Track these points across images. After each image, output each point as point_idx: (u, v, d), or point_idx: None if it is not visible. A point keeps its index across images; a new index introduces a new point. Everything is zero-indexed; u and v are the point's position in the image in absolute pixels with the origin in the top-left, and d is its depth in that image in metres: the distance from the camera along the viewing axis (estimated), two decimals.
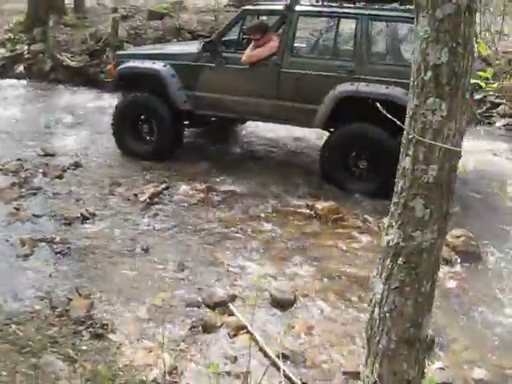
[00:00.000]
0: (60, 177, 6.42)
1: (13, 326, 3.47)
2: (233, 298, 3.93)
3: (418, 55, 1.92)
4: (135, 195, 5.80)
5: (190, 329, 3.58)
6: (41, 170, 6.55)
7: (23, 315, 3.61)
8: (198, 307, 3.84)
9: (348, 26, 6.27)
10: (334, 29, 6.39)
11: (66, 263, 4.38)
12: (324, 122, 6.22)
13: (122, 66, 7.15)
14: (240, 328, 3.57)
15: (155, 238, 4.91)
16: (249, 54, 6.50)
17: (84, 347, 3.36)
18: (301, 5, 6.45)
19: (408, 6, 5.75)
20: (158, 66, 6.86)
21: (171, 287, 4.02)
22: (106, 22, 13.41)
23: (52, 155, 7.17)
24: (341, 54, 6.35)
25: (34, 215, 5.22)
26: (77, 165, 6.83)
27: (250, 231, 5.12)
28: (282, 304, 3.90)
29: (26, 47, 12.91)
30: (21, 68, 12.53)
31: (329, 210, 5.44)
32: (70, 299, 3.81)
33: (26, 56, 12.69)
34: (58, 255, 4.47)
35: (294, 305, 3.92)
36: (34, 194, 5.81)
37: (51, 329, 3.49)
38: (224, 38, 6.84)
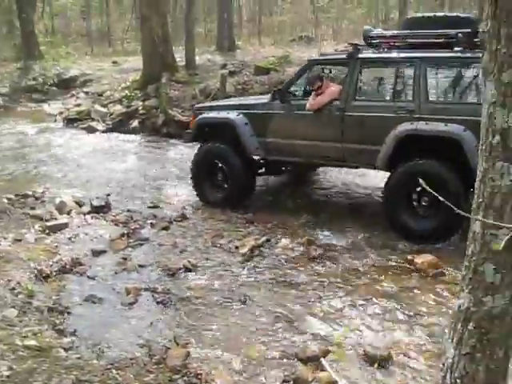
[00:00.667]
0: (166, 228, 6.84)
1: (113, 370, 3.73)
2: (326, 352, 3.97)
3: (486, 119, 1.96)
4: (236, 247, 6.05)
5: (282, 383, 3.66)
6: (149, 221, 7.04)
7: (124, 361, 3.88)
8: (291, 361, 3.92)
9: (406, 70, 6.58)
10: (393, 73, 6.72)
11: (166, 313, 4.66)
12: (386, 161, 6.42)
13: (201, 117, 7.81)
14: None
15: (253, 290, 5.08)
16: (311, 101, 6.97)
17: None
18: (362, 53, 6.84)
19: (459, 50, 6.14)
20: (232, 115, 7.45)
21: (266, 340, 4.15)
22: (215, 78, 14.23)
23: (160, 207, 7.68)
24: (400, 95, 6.63)
25: (139, 265, 5.62)
26: (183, 216, 7.25)
27: (349, 286, 5.16)
28: (376, 360, 3.87)
29: (140, 103, 14.01)
30: (135, 123, 13.58)
31: (429, 264, 5.37)
32: (168, 348, 4.04)
33: (141, 111, 13.74)
34: (160, 305, 4.78)
35: (389, 362, 3.89)
36: (141, 245, 6.25)
37: (148, 375, 3.71)
38: (293, 88, 7.39)
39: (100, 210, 7.56)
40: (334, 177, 8.93)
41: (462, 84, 6.36)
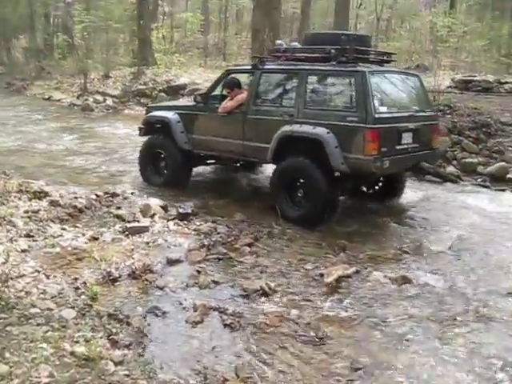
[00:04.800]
0: (250, 245, 6.45)
1: None
2: None
3: None
4: (321, 275, 5.53)
5: None
6: (234, 233, 6.71)
7: None
8: None
9: (291, 80, 7.77)
10: (282, 82, 8.02)
11: (232, 338, 4.23)
12: (272, 157, 7.73)
13: (149, 115, 9.55)
14: None
15: (334, 326, 4.53)
16: (222, 105, 8.37)
17: None
18: (266, 64, 8.17)
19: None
20: (169, 114, 9.03)
21: None
22: None
23: (244, 221, 7.34)
24: (286, 102, 7.81)
25: (213, 281, 5.24)
26: (270, 234, 6.87)
27: (446, 336, 4.49)
28: None
29: None
30: None
31: None
32: (226, 380, 3.61)
33: None
34: (227, 328, 4.35)
35: None
36: (220, 259, 5.88)
37: None
38: (213, 93, 8.85)
39: (185, 217, 7.31)
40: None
41: (331, 93, 7.56)
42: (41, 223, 6.53)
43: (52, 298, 4.53)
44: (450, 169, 10.77)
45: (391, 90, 7.70)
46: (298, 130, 7.35)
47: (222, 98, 8.70)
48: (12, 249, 5.53)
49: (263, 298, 4.98)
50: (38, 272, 5.08)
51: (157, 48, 25.46)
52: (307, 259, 6.06)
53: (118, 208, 7.56)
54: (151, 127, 9.42)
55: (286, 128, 7.46)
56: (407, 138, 7.40)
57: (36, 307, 4.28)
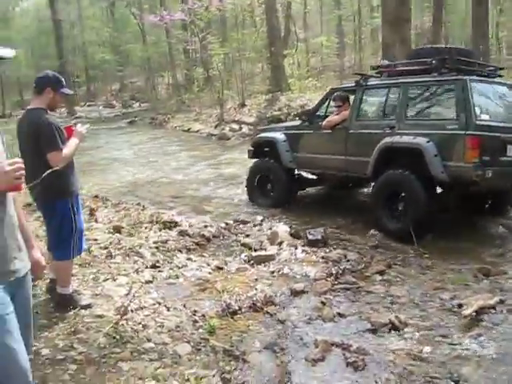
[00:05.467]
0: (382, 272, 5.99)
1: None
2: None
3: None
4: (460, 306, 4.93)
5: None
6: (365, 260, 6.31)
7: None
8: None
9: (393, 93, 7.80)
10: (385, 96, 7.95)
11: (355, 379, 3.82)
12: (372, 170, 7.65)
13: (257, 136, 10.05)
14: None
15: (473, 366, 3.95)
16: (327, 119, 8.53)
17: None
18: (368, 81, 8.28)
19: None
20: (276, 135, 9.31)
21: None
22: None
23: (379, 247, 6.89)
24: (387, 115, 7.82)
25: (338, 313, 4.86)
26: (404, 261, 6.37)
27: None
28: None
29: None
30: None
31: None
32: None
33: None
34: (350, 367, 3.94)
35: None
36: (348, 289, 5.48)
37: None
38: (318, 113, 8.99)
39: (314, 244, 7.01)
40: None
41: (432, 103, 7.55)
42: (168, 253, 6.58)
43: (169, 331, 4.42)
44: None
45: (495, 100, 7.51)
46: (398, 140, 7.36)
47: (326, 117, 8.75)
48: (136, 280, 5.56)
49: (392, 333, 4.50)
50: (159, 304, 5.03)
51: (290, 74, 25.63)
52: (445, 287, 5.49)
53: (247, 236, 7.48)
54: (259, 149, 9.70)
55: (387, 139, 7.46)
56: None
57: (151, 341, 4.18)
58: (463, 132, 6.72)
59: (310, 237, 7.15)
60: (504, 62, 27.66)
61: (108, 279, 5.53)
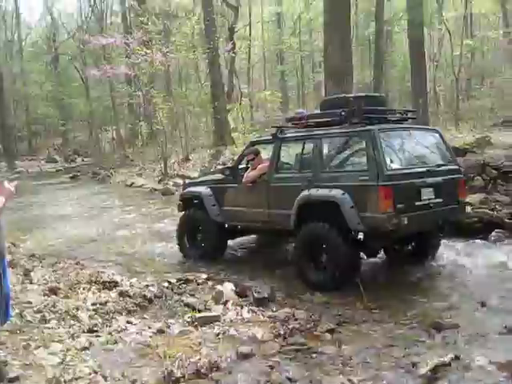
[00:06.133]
0: (331, 331, 5.78)
1: None
2: None
3: None
4: (414, 365, 4.76)
5: None
6: (313, 318, 6.10)
7: None
8: None
9: (310, 145, 7.88)
10: (301, 148, 8.09)
11: None
12: (294, 223, 7.72)
13: (184, 191, 10.13)
14: None
15: None
16: (245, 175, 8.66)
17: None
18: (285, 133, 8.30)
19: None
20: (202, 189, 9.40)
21: None
22: None
23: (328, 303, 6.72)
24: (304, 167, 7.94)
25: (288, 378, 4.60)
26: (353, 318, 6.21)
27: None
28: None
29: None
30: None
31: None
32: None
33: None
34: None
35: None
36: (297, 351, 5.23)
37: None
38: (240, 166, 9.15)
39: (261, 302, 6.79)
40: None
41: (345, 155, 7.74)
42: (107, 316, 6.23)
43: None
44: None
45: (406, 146, 7.68)
46: (315, 194, 7.48)
47: (247, 170, 8.94)
48: (71, 347, 5.19)
49: None
50: (95, 373, 4.69)
51: (234, 128, 25.79)
52: (397, 344, 5.32)
53: (191, 295, 7.20)
54: (188, 203, 9.71)
55: (305, 193, 7.56)
56: (428, 194, 7.30)
57: None
58: (375, 183, 6.84)
59: (257, 295, 6.93)
60: (442, 114, 28.88)
61: (40, 347, 5.15)
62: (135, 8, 28.25)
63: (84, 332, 5.65)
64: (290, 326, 5.83)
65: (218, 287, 7.23)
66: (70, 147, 44.01)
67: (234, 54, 28.23)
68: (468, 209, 9.83)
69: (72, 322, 5.92)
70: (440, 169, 7.62)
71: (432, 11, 28.14)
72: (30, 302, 6.47)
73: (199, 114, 28.36)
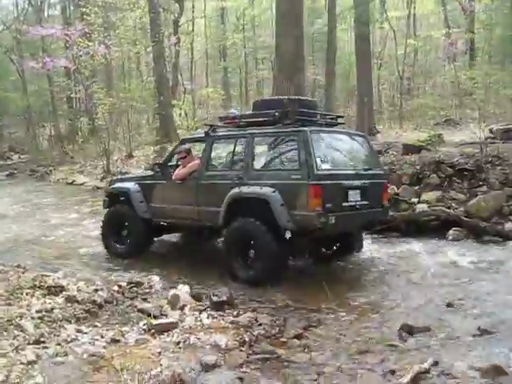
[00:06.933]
0: (299, 336, 5.48)
1: None
2: None
3: None
4: (393, 372, 4.50)
5: None
6: (278, 323, 5.78)
7: None
8: None
9: (241, 144, 8.01)
10: (233, 147, 8.19)
11: None
12: (223, 220, 7.86)
13: (111, 187, 9.98)
14: None
15: None
16: (175, 173, 8.69)
17: None
18: (217, 132, 8.56)
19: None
20: (129, 185, 9.39)
21: None
22: None
23: (292, 307, 6.41)
24: (235, 165, 8.06)
25: None
26: (319, 321, 5.93)
27: None
28: None
29: None
30: None
31: None
32: None
33: None
34: None
35: None
36: (266, 359, 4.89)
37: None
38: (170, 163, 9.20)
39: (220, 306, 6.40)
40: None
41: (276, 154, 7.92)
42: (54, 324, 5.67)
43: None
44: (510, 225, 9.76)
45: (335, 148, 7.97)
46: (245, 191, 7.63)
47: (178, 167, 9.00)
48: (16, 361, 4.66)
49: None
50: None
51: (179, 124, 25.23)
52: (371, 350, 5.06)
53: (144, 300, 6.76)
54: (114, 199, 9.67)
55: (235, 190, 7.71)
56: (354, 196, 7.61)
57: None
58: (305, 182, 7.07)
59: (215, 298, 6.53)
60: (385, 112, 29.22)
61: None
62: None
63: (30, 343, 5.10)
64: (255, 333, 5.50)
65: (173, 291, 6.80)
66: (6, 143, 42.22)
67: (178, 48, 27.64)
68: (425, 206, 9.95)
69: (16, 332, 5.34)
70: (367, 172, 7.94)
71: (376, 9, 28.41)
72: None
73: (142, 110, 27.65)
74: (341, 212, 7.31)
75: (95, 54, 21.24)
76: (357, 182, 7.66)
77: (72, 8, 35.46)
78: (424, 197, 10.79)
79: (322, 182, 7.11)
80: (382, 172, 8.52)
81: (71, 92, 27.61)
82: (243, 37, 37.09)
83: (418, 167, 11.71)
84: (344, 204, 7.44)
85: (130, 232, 9.28)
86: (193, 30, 34.07)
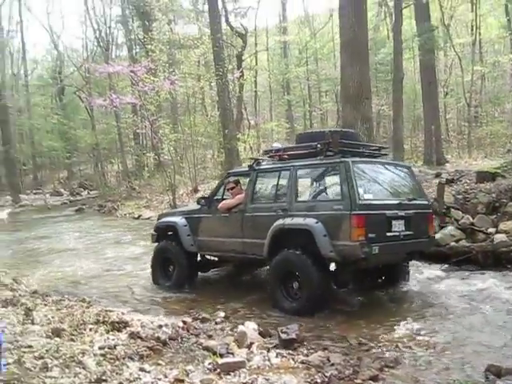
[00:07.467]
0: (375, 378, 5.05)
1: None
2: None
3: None
4: None
5: None
6: (352, 362, 5.36)
7: None
8: None
9: (285, 176, 8.11)
10: (276, 179, 8.31)
11: None
12: (268, 252, 7.89)
13: (159, 221, 10.11)
14: None
15: None
16: (222, 203, 8.80)
17: None
18: (261, 165, 8.67)
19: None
20: (177, 219, 9.50)
21: None
22: (430, 188, 12.58)
23: (367, 346, 5.98)
24: (280, 197, 8.17)
25: None
26: (396, 361, 5.47)
27: None
28: None
29: None
30: None
31: None
32: None
33: None
34: None
35: None
36: None
37: None
38: (216, 197, 9.21)
39: (289, 344, 6.03)
40: None
41: (319, 185, 8.19)
42: (117, 362, 5.45)
43: None
44: None
45: (378, 179, 8.01)
46: (289, 222, 7.68)
47: (224, 200, 9.07)
48: None
49: None
50: None
51: (244, 158, 25.26)
52: None
53: (209, 337, 6.45)
54: (162, 233, 9.84)
55: (279, 222, 7.78)
56: (399, 226, 7.57)
57: None
58: (348, 212, 7.07)
59: (284, 336, 6.17)
60: (453, 141, 28.37)
61: None
62: (141, 39, 28.04)
63: (91, 382, 4.89)
64: (327, 374, 5.09)
65: (240, 327, 6.49)
66: (76, 180, 43.64)
67: (243, 81, 27.82)
68: (504, 237, 9.44)
69: (77, 369, 5.15)
70: (411, 202, 7.89)
71: (440, 37, 27.78)
72: (30, 346, 5.70)
73: (207, 145, 27.89)
74: (384, 242, 7.29)
75: (160, 89, 21.57)
76: (401, 212, 7.61)
77: (138, 48, 36.53)
78: (502, 226, 10.21)
79: (365, 212, 7.12)
80: (426, 202, 8.45)
81: (137, 128, 28.15)
82: (306, 69, 37.05)
83: (493, 195, 11.12)
84: (388, 234, 7.41)
85: (175, 267, 9.43)
86: (256, 64, 34.37)
